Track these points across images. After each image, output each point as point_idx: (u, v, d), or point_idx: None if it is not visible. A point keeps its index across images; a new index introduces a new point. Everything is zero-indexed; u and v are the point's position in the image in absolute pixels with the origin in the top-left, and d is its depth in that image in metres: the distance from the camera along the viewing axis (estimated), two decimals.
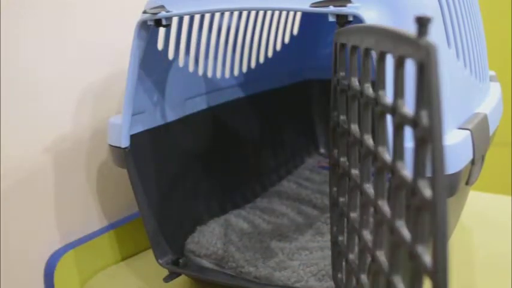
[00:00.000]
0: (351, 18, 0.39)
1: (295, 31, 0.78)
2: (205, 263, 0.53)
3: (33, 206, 0.56)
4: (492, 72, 0.63)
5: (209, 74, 0.63)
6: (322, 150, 0.82)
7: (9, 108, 0.53)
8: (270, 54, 0.74)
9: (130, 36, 0.48)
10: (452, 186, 0.39)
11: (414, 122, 0.25)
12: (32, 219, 0.56)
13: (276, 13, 0.71)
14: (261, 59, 0.72)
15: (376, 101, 0.31)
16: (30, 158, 0.55)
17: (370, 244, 0.34)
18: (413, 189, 0.25)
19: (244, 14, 0.64)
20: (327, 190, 0.71)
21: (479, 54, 0.53)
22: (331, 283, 0.47)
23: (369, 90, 0.33)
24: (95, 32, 0.60)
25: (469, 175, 0.42)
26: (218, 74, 0.65)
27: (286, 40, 0.77)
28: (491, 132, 0.48)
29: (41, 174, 0.56)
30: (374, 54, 0.31)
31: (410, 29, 0.40)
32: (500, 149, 1.03)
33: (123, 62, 0.51)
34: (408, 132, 0.27)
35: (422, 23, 0.24)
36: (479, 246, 0.64)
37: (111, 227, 0.63)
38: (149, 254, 0.54)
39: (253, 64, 0.70)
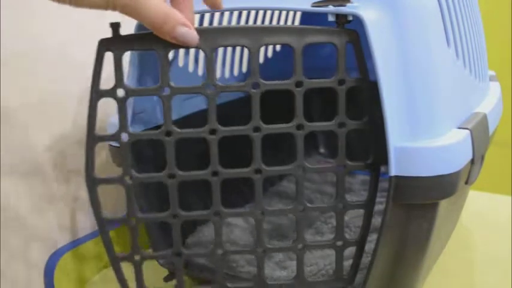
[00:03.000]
0: (350, 18, 0.39)
1: None
2: (205, 262, 0.53)
3: (33, 206, 0.56)
4: (492, 72, 0.63)
5: None
6: (321, 150, 0.82)
7: (9, 107, 0.53)
8: (269, 54, 0.74)
9: None
10: (451, 185, 0.39)
11: None
12: (31, 219, 0.56)
13: (276, 13, 0.71)
14: (261, 59, 0.72)
15: None
16: (30, 157, 0.55)
17: None
18: None
19: (244, 13, 0.64)
20: (326, 190, 0.71)
21: (478, 53, 0.53)
22: None
23: None
24: (94, 31, 0.60)
25: (469, 174, 0.42)
26: (218, 74, 0.65)
27: None
28: (490, 132, 0.48)
29: (41, 174, 0.56)
30: None
31: (409, 27, 0.40)
32: (500, 149, 1.03)
33: (125, 61, 0.51)
34: None
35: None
36: (479, 246, 0.64)
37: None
38: None
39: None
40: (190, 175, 0.41)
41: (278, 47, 0.76)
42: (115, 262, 0.42)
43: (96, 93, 0.39)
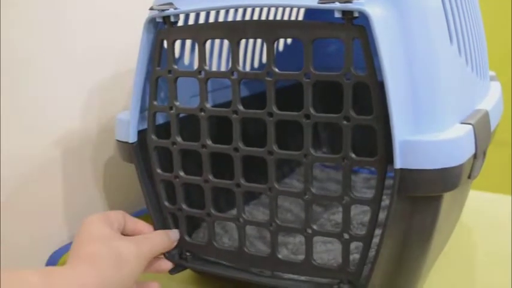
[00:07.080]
0: (356, 14, 0.40)
1: None
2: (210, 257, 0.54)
3: (34, 205, 0.56)
4: (492, 73, 0.63)
5: None
6: (324, 150, 0.83)
7: (18, 103, 0.53)
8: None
9: (139, 33, 0.49)
10: (455, 178, 0.40)
11: None
12: (34, 217, 0.56)
13: (280, 11, 0.72)
14: (264, 59, 0.72)
15: None
16: (38, 154, 0.55)
17: None
18: None
19: (249, 11, 0.65)
20: (329, 187, 0.72)
21: (480, 52, 0.54)
22: None
23: None
24: (102, 29, 0.61)
25: (471, 169, 0.43)
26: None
27: (289, 40, 0.77)
28: (492, 129, 0.49)
29: (48, 170, 0.56)
30: None
31: (414, 24, 0.41)
32: (500, 149, 1.03)
33: (130, 59, 0.52)
34: None
35: None
36: (479, 245, 0.64)
37: None
38: None
39: (256, 63, 0.71)
40: (217, 147, 0.49)
41: (281, 47, 0.77)
42: None
43: (155, 73, 0.49)
